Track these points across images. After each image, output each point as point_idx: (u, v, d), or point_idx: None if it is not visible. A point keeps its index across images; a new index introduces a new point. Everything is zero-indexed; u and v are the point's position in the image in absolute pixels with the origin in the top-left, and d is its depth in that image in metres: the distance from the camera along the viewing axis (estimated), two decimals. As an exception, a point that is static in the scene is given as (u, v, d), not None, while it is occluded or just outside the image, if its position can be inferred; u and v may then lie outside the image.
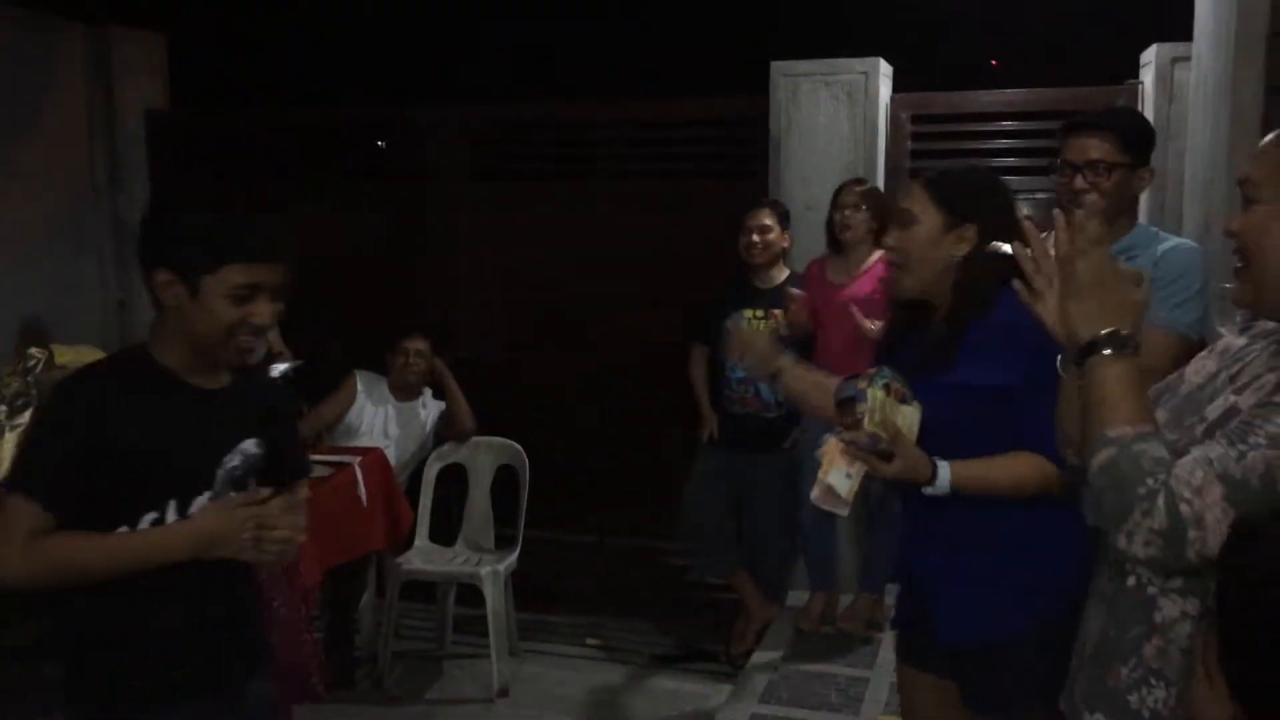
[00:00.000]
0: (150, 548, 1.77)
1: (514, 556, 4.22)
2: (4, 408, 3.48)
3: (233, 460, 1.86)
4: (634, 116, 5.04)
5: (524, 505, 4.28)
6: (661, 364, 4.45)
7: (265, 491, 1.84)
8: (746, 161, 4.69)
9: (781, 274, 4.14)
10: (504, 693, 3.99)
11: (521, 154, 5.30)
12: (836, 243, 3.95)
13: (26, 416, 3.49)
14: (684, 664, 4.24)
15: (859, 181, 4.00)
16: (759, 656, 4.00)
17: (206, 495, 1.82)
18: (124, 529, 1.76)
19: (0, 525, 1.70)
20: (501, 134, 5.27)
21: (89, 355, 3.94)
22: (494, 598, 4.02)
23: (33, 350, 3.69)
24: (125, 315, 5.27)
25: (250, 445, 1.88)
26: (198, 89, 5.62)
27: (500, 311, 5.10)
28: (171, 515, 1.79)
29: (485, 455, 4.45)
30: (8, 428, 3.43)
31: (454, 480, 4.48)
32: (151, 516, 1.78)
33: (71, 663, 1.84)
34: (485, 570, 4.08)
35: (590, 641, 4.48)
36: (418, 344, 4.47)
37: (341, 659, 4.14)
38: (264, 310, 1.79)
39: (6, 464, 3.40)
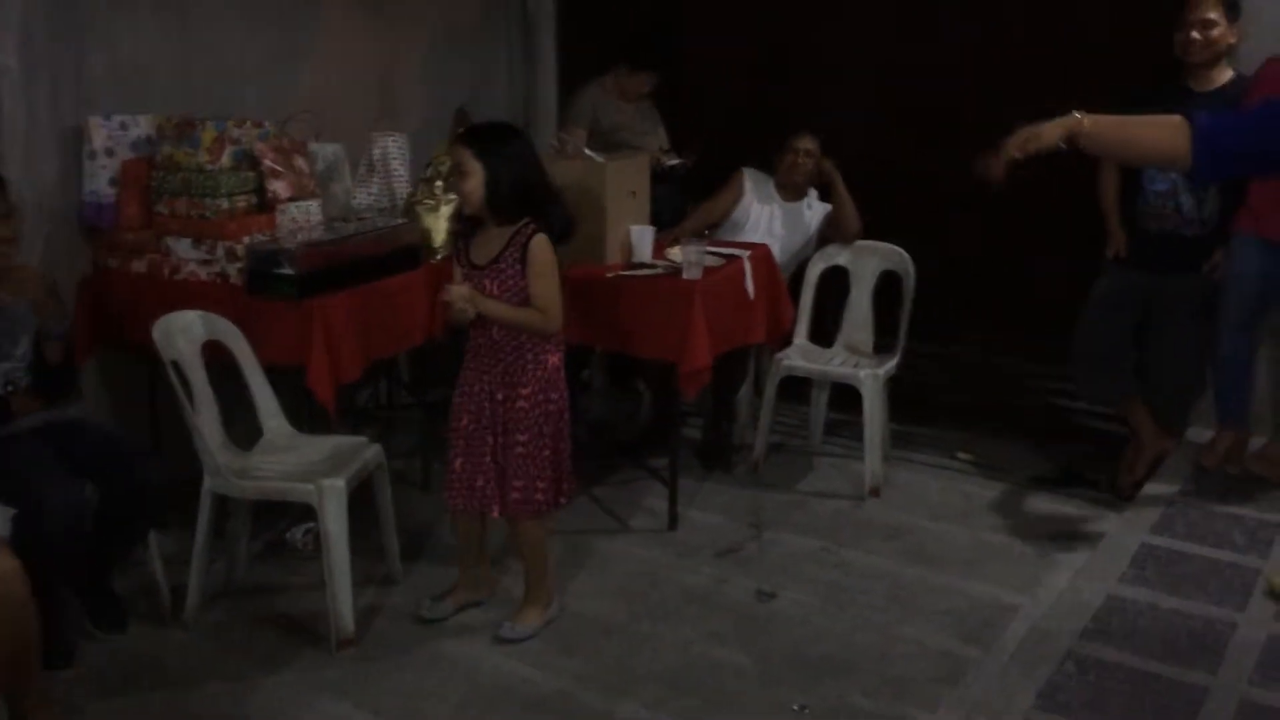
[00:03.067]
0: None
1: (893, 362, 4.18)
2: (440, 184, 3.80)
3: None
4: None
5: (907, 312, 4.21)
6: (1064, 173, 4.14)
7: None
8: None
9: (1224, 75, 3.69)
10: (875, 491, 4.04)
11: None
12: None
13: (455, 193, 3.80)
14: (1064, 489, 4.09)
15: None
16: (1151, 489, 3.79)
17: None
18: None
19: None
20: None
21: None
22: (871, 400, 4.02)
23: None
24: (529, 101, 5.55)
25: None
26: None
27: (889, 114, 4.93)
28: None
29: (869, 259, 4.39)
30: (443, 201, 3.76)
31: (836, 283, 4.47)
32: None
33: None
34: (864, 372, 4.09)
35: (962, 455, 4.42)
36: (806, 143, 4.42)
37: (719, 444, 4.35)
38: None
39: (443, 235, 3.75)
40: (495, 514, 3.02)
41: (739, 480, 4.19)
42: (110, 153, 3.45)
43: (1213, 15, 3.61)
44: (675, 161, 4.69)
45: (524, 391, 2.95)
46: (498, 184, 2.87)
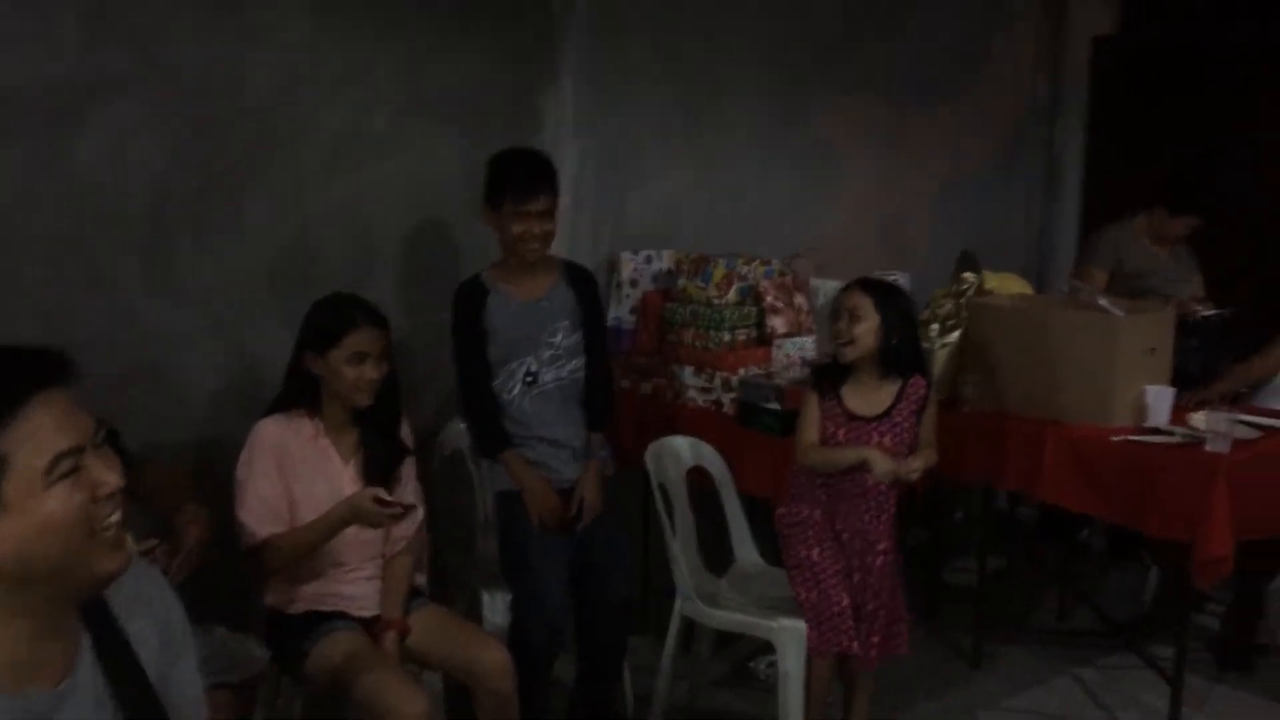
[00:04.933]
0: None
1: None
2: (937, 326, 3.72)
3: None
4: None
5: None
6: None
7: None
8: None
9: None
10: None
11: None
12: None
13: (954, 337, 3.70)
14: None
15: None
16: None
17: None
18: None
19: None
20: None
21: (1014, 283, 4.05)
22: None
23: (966, 275, 3.88)
24: (1044, 241, 5.32)
25: None
26: (1150, 11, 5.31)
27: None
28: None
29: None
30: (938, 345, 3.67)
31: None
32: None
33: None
34: None
35: None
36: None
37: (1241, 638, 3.76)
38: None
39: (937, 376, 3.66)
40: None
41: (1262, 687, 3.57)
42: (634, 284, 3.80)
43: None
44: (1211, 312, 4.21)
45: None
46: (889, 335, 2.87)
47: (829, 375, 2.99)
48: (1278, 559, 3.74)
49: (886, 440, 2.89)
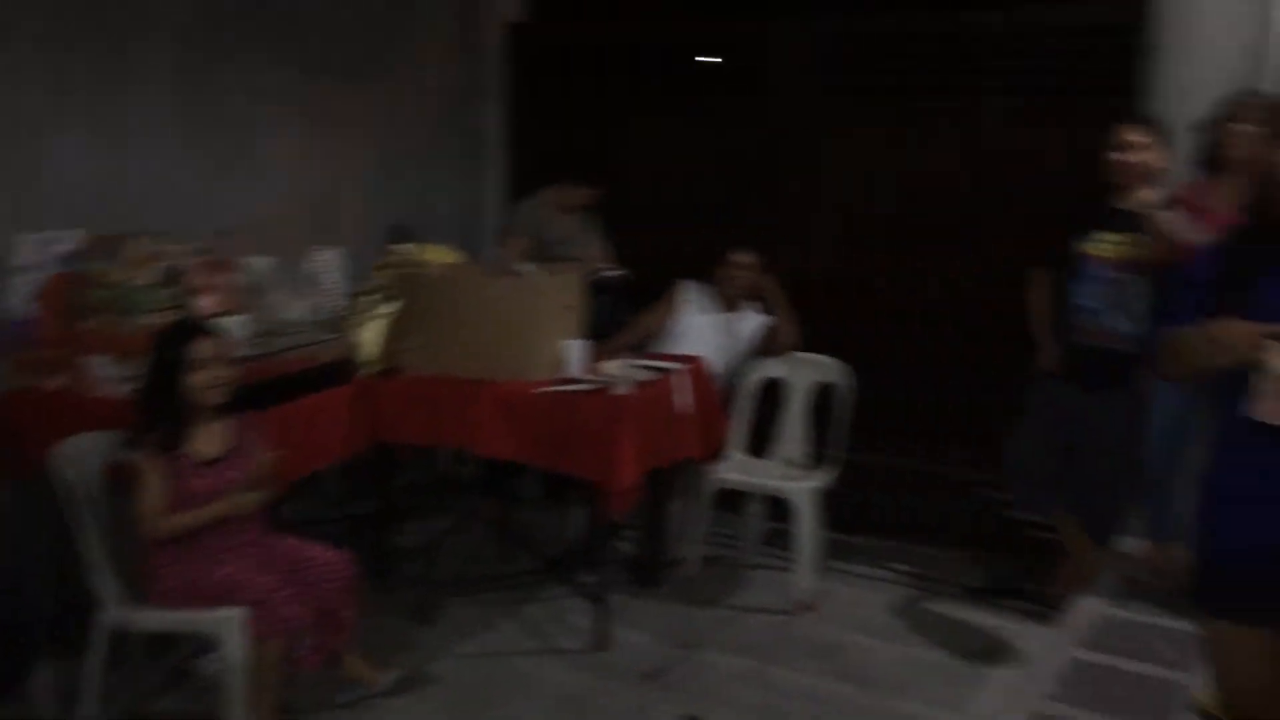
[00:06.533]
0: None
1: (828, 475, 4.19)
2: (375, 297, 3.82)
3: None
4: (990, 27, 4.70)
5: (844, 424, 4.22)
6: (1002, 289, 4.24)
7: None
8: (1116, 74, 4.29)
9: (1148, 195, 3.79)
10: (809, 607, 4.00)
11: (876, 69, 5.03)
12: (1216, 164, 3.55)
13: (389, 307, 3.82)
14: (997, 600, 4.07)
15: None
16: (1082, 602, 3.77)
17: None
18: None
19: None
20: (857, 47, 5.00)
21: (446, 254, 4.26)
22: (804, 513, 4.02)
23: (399, 247, 4.01)
24: (473, 214, 5.62)
25: None
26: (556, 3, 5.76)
27: (839, 230, 5.03)
28: None
29: (805, 371, 4.42)
30: (375, 315, 3.77)
31: (772, 395, 4.49)
32: None
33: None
34: (798, 486, 4.08)
35: (899, 566, 4.40)
36: (744, 258, 4.48)
37: (653, 558, 4.31)
38: None
39: (370, 347, 3.75)
40: None
41: (672, 596, 4.14)
42: (34, 269, 3.45)
43: (1142, 138, 3.72)
44: (614, 273, 4.74)
45: None
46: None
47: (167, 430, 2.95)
48: (676, 484, 4.34)
49: (239, 475, 2.99)
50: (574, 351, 3.87)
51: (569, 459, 3.63)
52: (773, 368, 4.47)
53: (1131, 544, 4.02)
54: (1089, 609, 3.69)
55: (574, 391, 3.69)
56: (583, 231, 4.87)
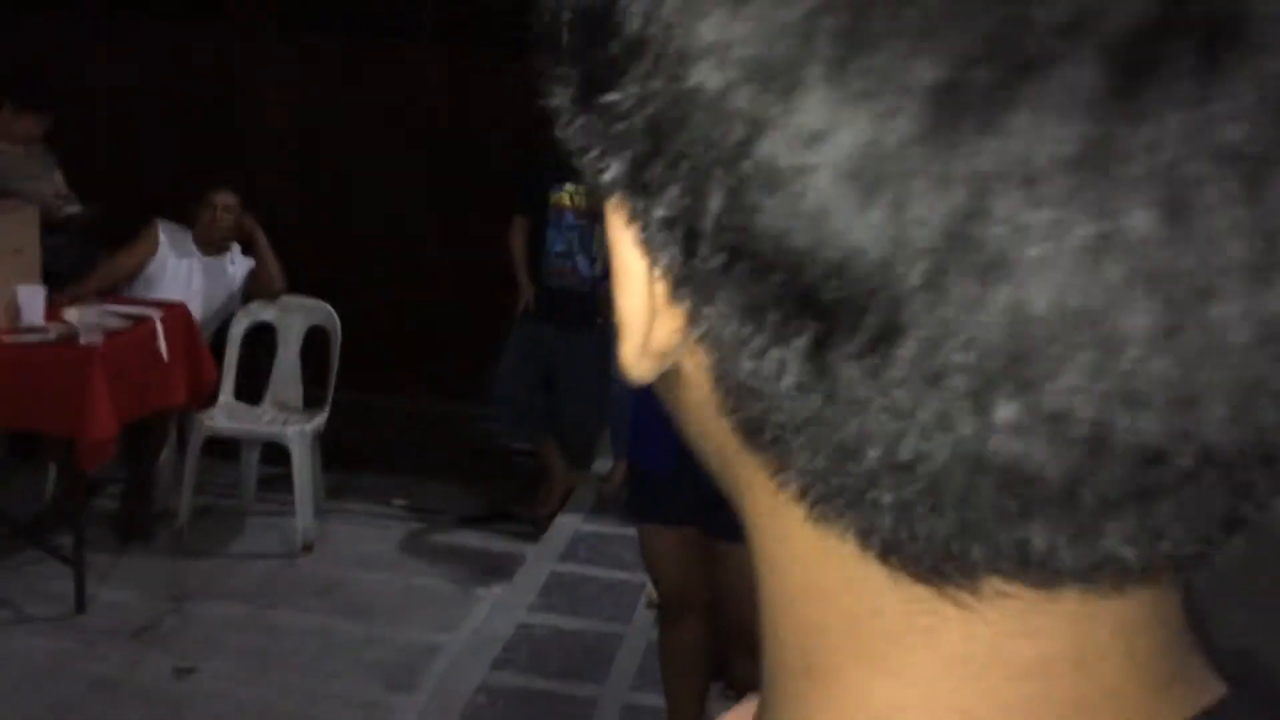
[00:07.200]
0: None
1: (322, 417, 4.22)
2: None
3: None
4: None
5: (334, 366, 4.27)
6: (485, 233, 4.49)
7: None
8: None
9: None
10: (308, 548, 4.03)
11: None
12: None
13: None
14: (490, 524, 4.38)
15: None
16: (561, 520, 4.18)
17: None
18: None
19: None
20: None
21: None
22: (300, 456, 4.03)
23: None
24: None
25: None
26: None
27: (304, 170, 4.99)
28: None
29: (295, 315, 4.39)
30: None
31: (262, 339, 4.41)
32: None
33: None
34: (291, 430, 4.08)
35: (397, 501, 4.56)
36: (226, 199, 4.32)
37: (139, 512, 4.09)
38: None
39: None
40: None
41: (161, 550, 3.97)
42: None
43: None
44: (75, 210, 4.34)
45: None
46: None
47: None
48: (161, 433, 4.14)
49: None
50: (32, 298, 3.54)
51: (35, 415, 3.35)
52: (262, 311, 4.39)
53: (602, 465, 4.50)
54: (566, 525, 4.10)
55: (35, 343, 3.39)
56: (34, 163, 4.39)
